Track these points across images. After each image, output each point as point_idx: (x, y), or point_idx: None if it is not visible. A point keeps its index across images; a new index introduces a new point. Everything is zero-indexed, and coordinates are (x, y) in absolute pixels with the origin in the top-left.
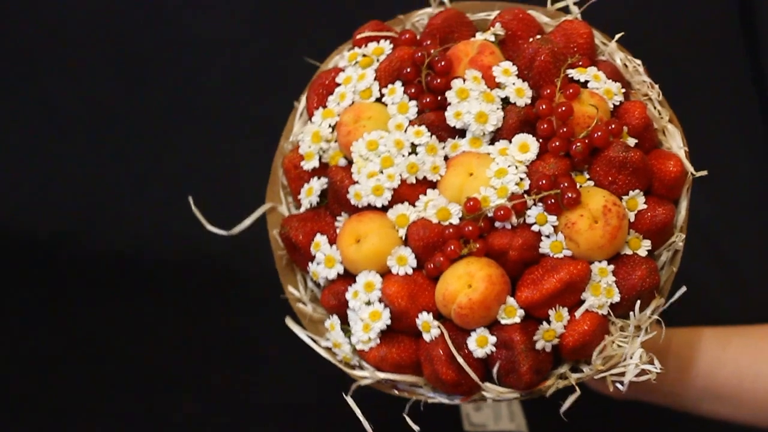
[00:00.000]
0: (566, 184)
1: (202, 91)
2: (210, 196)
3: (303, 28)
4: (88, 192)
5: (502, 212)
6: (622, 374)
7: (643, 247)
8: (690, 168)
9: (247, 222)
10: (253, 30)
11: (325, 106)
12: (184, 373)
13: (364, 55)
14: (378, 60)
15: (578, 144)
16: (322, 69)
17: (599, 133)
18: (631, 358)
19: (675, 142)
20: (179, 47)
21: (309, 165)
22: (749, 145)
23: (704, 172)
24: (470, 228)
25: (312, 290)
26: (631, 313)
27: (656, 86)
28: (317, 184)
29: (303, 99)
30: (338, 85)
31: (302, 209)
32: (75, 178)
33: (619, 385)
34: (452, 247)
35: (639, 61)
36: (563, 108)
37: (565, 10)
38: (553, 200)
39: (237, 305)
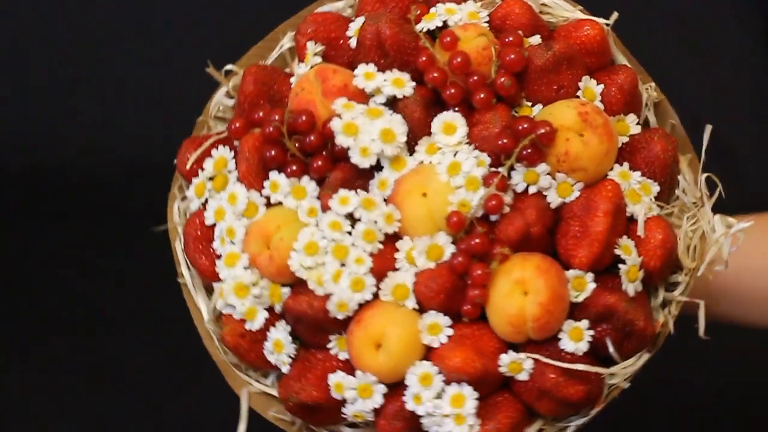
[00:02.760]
0: (527, 125)
1: None
2: None
3: None
4: None
5: (493, 202)
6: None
7: (632, 123)
8: (602, 21)
9: (242, 428)
10: None
11: (219, 256)
12: None
13: (210, 178)
14: (230, 170)
15: (503, 79)
16: (172, 225)
17: (511, 56)
18: (714, 231)
19: (564, 10)
20: None
21: (258, 322)
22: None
23: (615, 15)
24: (477, 241)
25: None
26: (678, 191)
27: None
28: (282, 333)
29: (184, 270)
30: (212, 226)
31: (285, 369)
32: None
33: (720, 267)
34: (479, 272)
35: None
36: (457, 59)
37: None
38: (528, 150)
39: None
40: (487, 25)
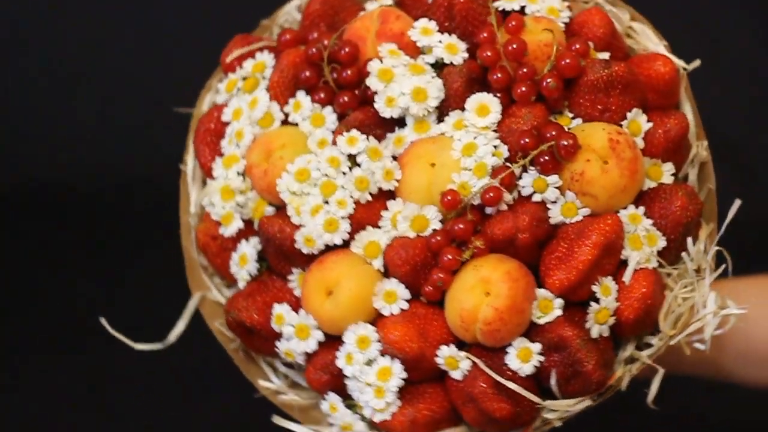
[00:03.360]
0: (554, 132)
1: None
2: None
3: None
4: None
5: (491, 194)
6: (700, 331)
7: (667, 173)
8: (680, 62)
9: (181, 326)
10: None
11: (222, 154)
12: None
13: (244, 78)
14: (264, 77)
15: (549, 80)
16: (198, 114)
17: (567, 60)
18: (704, 306)
19: (649, 40)
20: None
21: (231, 229)
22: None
23: (697, 63)
24: (461, 226)
25: (286, 375)
26: (684, 254)
27: None
28: (250, 248)
29: (189, 158)
30: (227, 123)
31: (241, 284)
32: None
33: (700, 345)
34: (449, 257)
35: None
36: (514, 45)
37: None
38: (546, 157)
39: None
40: (564, 26)
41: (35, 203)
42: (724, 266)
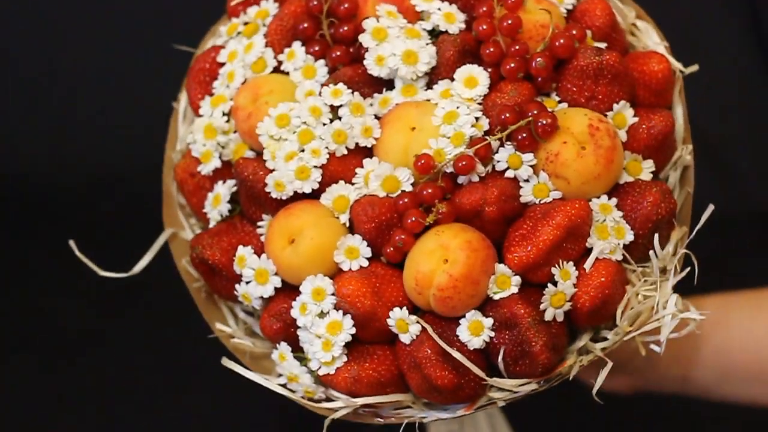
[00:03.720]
0: (535, 111)
1: None
2: None
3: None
4: None
5: (463, 162)
6: (657, 332)
7: (646, 170)
8: (677, 64)
9: (147, 259)
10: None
11: (211, 94)
12: None
13: (245, 23)
14: (264, 24)
15: (539, 59)
16: (199, 53)
17: (561, 41)
18: (664, 307)
19: (650, 39)
20: None
21: (208, 168)
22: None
23: (695, 67)
24: (429, 191)
25: (245, 321)
26: (651, 252)
27: None
28: (224, 189)
29: (183, 95)
30: (222, 65)
31: (212, 224)
32: None
33: (656, 347)
34: (413, 218)
35: None
36: (509, 21)
37: None
38: (524, 134)
39: None
40: (566, 12)
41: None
42: (689, 269)
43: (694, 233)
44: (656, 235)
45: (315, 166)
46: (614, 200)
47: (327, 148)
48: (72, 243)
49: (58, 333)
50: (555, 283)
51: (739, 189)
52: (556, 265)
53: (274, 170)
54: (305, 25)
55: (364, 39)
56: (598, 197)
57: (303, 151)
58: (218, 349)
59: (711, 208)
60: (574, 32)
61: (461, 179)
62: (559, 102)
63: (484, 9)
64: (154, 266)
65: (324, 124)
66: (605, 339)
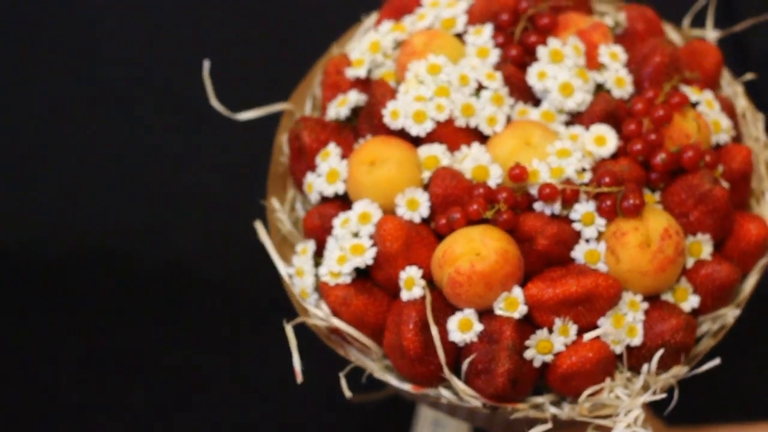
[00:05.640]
0: (632, 188)
1: None
2: None
3: None
4: None
5: (547, 191)
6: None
7: (689, 303)
8: None
9: (258, 113)
10: None
11: (397, 21)
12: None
13: None
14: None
15: (663, 155)
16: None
17: (691, 153)
18: (625, 415)
19: (767, 211)
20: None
21: (354, 72)
22: None
23: None
24: (505, 195)
25: (297, 216)
26: (645, 365)
27: None
28: (354, 97)
29: (372, 15)
30: (421, 6)
31: (328, 117)
32: None
33: None
34: (476, 206)
35: (762, 116)
36: (661, 112)
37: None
38: (609, 202)
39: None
40: (715, 144)
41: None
42: (663, 396)
43: (691, 374)
44: (660, 354)
45: (432, 119)
46: (646, 304)
47: (452, 111)
48: None
49: None
50: (551, 331)
51: None
52: (562, 318)
53: (399, 101)
54: (505, 17)
55: (540, 51)
56: (635, 294)
57: (431, 100)
58: None
59: (716, 361)
60: (708, 158)
61: (537, 205)
62: (657, 201)
63: (651, 93)
64: None
65: (463, 95)
66: (562, 408)
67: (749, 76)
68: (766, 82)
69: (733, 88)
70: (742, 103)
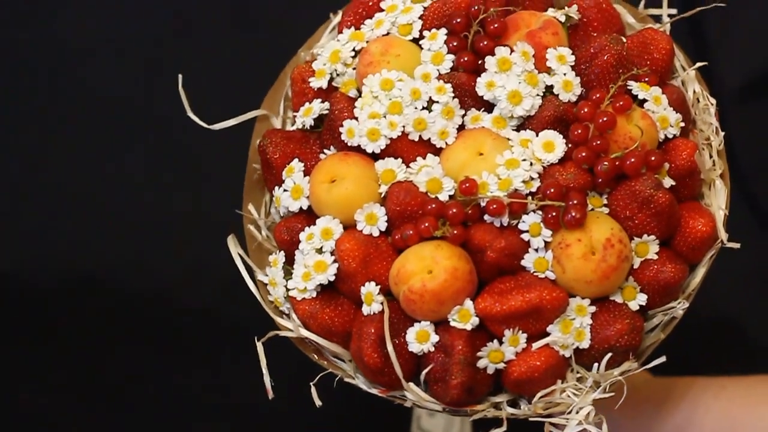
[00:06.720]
0: (575, 202)
1: None
2: None
3: None
4: None
5: (495, 206)
6: (563, 427)
7: (637, 301)
8: (723, 234)
9: (233, 121)
10: None
11: (358, 28)
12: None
13: None
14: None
15: (605, 163)
16: None
17: (633, 159)
18: (577, 413)
19: (717, 200)
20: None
21: (317, 83)
22: None
23: (736, 245)
24: (455, 210)
25: (273, 220)
26: (595, 365)
27: (721, 134)
28: (318, 107)
29: (339, 13)
30: (381, 10)
31: (294, 127)
32: None
33: None
34: (427, 224)
35: (714, 101)
36: (605, 118)
37: (658, 19)
38: (554, 214)
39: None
40: (663, 137)
41: None
42: (612, 395)
43: (640, 371)
44: (608, 355)
45: (385, 136)
46: (593, 308)
47: (404, 127)
48: None
49: None
50: (501, 342)
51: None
52: (512, 329)
53: (355, 118)
54: (458, 20)
55: (488, 61)
56: (582, 299)
57: (385, 117)
58: None
59: (662, 359)
60: (653, 158)
61: (487, 217)
62: (604, 205)
63: (597, 96)
64: None
65: (416, 108)
66: (519, 407)
67: (700, 63)
68: (718, 62)
69: (686, 73)
70: (694, 87)
